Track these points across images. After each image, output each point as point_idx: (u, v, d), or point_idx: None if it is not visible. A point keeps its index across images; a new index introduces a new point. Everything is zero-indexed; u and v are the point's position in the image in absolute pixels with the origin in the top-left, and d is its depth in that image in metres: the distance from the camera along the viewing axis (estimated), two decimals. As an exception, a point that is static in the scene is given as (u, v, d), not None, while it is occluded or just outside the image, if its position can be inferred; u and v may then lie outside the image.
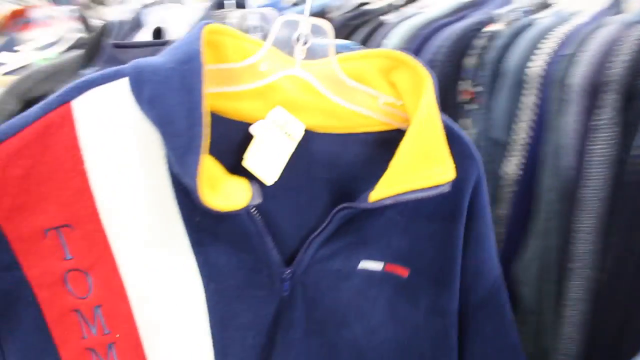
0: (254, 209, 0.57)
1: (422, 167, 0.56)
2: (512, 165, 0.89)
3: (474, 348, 0.69)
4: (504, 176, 0.90)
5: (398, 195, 0.55)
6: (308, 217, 0.62)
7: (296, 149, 0.60)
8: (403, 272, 0.64)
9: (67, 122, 0.53)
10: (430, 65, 0.94)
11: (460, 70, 0.96)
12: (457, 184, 0.61)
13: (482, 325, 0.69)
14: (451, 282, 0.65)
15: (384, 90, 0.62)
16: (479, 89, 0.93)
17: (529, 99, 0.86)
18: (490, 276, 0.68)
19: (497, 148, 0.91)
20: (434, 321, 0.66)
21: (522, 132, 0.87)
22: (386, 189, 0.56)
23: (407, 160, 0.56)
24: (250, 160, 0.57)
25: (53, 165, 0.53)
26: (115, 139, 0.54)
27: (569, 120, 0.79)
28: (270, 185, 0.60)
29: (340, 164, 0.62)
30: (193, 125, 0.50)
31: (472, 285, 0.67)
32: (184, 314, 0.59)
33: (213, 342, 0.59)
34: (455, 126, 0.62)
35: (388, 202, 0.56)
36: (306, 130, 0.60)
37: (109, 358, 0.58)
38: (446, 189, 0.55)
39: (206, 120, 0.50)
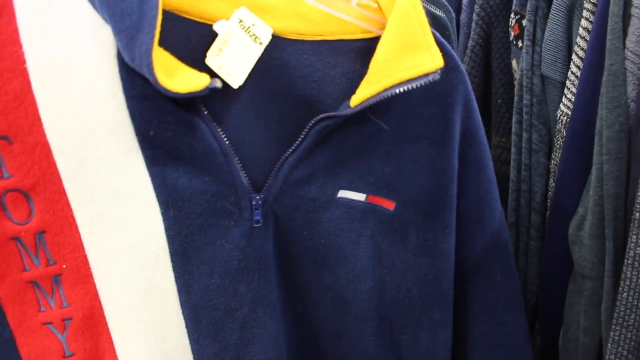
0: (216, 125, 0.51)
1: (406, 57, 0.51)
2: (566, 104, 0.76)
3: (483, 295, 0.63)
4: (559, 119, 0.77)
5: (383, 91, 0.50)
6: (279, 136, 0.55)
7: (265, 58, 0.53)
8: (388, 204, 0.58)
9: (6, 12, 0.48)
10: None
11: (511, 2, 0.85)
12: (444, 100, 0.57)
13: (492, 270, 0.64)
14: (443, 216, 0.59)
15: None
16: (526, 22, 0.81)
17: (584, 23, 0.73)
18: (496, 210, 0.63)
19: (549, 87, 0.78)
20: (423, 262, 0.60)
21: (575, 63, 0.74)
22: (369, 88, 0.51)
23: (389, 53, 0.51)
24: (212, 59, 0.51)
25: None
26: (60, 34, 0.48)
27: (632, 41, 0.66)
28: (236, 100, 0.54)
29: (313, 76, 0.56)
30: (145, 7, 0.46)
31: (478, 219, 0.62)
32: (141, 244, 0.53)
33: (175, 276, 0.54)
34: (437, 33, 0.56)
35: (373, 101, 0.51)
36: (276, 36, 0.54)
37: (54, 293, 0.53)
38: (436, 77, 0.51)
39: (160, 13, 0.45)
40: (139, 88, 0.49)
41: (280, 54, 0.54)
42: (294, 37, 0.55)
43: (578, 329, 0.76)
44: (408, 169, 0.57)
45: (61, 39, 0.48)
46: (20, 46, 0.48)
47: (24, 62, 0.48)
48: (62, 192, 0.51)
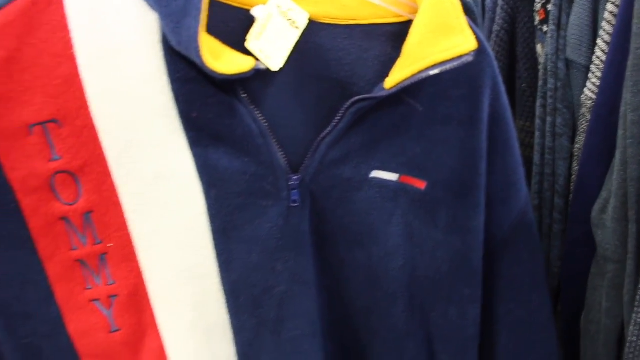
0: (254, 107, 0.53)
1: (440, 39, 0.52)
2: (590, 88, 0.77)
3: (510, 273, 0.65)
4: (583, 103, 0.78)
5: (418, 73, 0.52)
6: (314, 118, 0.57)
7: (300, 42, 0.55)
8: (420, 184, 0.59)
9: None
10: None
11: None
12: (472, 82, 0.58)
13: (519, 248, 0.65)
14: (473, 195, 0.61)
15: None
16: (550, 7, 0.81)
17: (609, 7, 0.74)
18: (522, 190, 0.64)
19: (574, 71, 0.79)
20: (453, 240, 0.62)
21: (600, 47, 0.75)
22: (404, 70, 0.52)
23: (423, 36, 0.53)
24: (253, 42, 0.53)
25: (40, 48, 0.49)
26: (107, 20, 0.50)
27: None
28: (272, 83, 0.55)
29: (347, 59, 0.57)
30: None
31: (505, 199, 0.63)
32: (183, 222, 0.55)
33: (216, 254, 0.56)
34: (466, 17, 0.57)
35: (407, 83, 0.52)
36: (311, 21, 0.56)
37: (100, 270, 0.55)
38: (469, 58, 0.53)
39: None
40: (183, 71, 0.50)
41: (315, 38, 0.56)
42: (328, 22, 0.56)
43: (600, 311, 0.77)
44: (438, 150, 0.59)
45: (108, 25, 0.50)
46: (68, 32, 0.49)
47: (72, 47, 0.49)
48: (107, 173, 0.52)
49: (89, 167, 0.52)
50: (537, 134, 0.83)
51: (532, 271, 0.68)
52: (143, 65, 0.51)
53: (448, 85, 0.58)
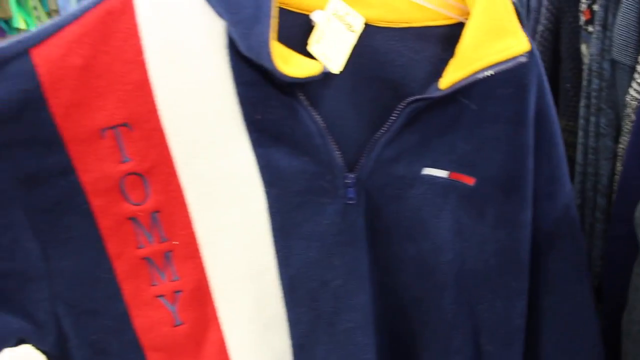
0: (312, 109, 0.55)
1: (494, 41, 0.54)
2: (636, 88, 0.77)
3: (555, 267, 0.67)
4: (628, 103, 0.79)
5: (473, 74, 0.53)
6: (368, 118, 0.59)
7: (356, 46, 0.57)
8: (469, 180, 0.61)
9: (128, 8, 0.51)
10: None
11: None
12: (519, 81, 0.60)
13: (564, 243, 0.67)
14: (520, 189, 0.62)
15: None
16: (596, 7, 0.82)
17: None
18: (566, 186, 0.66)
19: (619, 71, 0.80)
20: (501, 234, 0.63)
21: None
22: (459, 71, 0.54)
23: (478, 38, 0.54)
24: (315, 46, 0.55)
25: (113, 55, 0.51)
26: (175, 28, 0.52)
27: None
28: (329, 85, 0.58)
29: (400, 61, 0.59)
30: (262, 1, 0.50)
31: (550, 193, 0.65)
32: (245, 221, 0.57)
33: (275, 251, 0.58)
34: None
35: (463, 84, 0.54)
36: (366, 24, 0.58)
37: (165, 267, 0.57)
38: (523, 59, 0.54)
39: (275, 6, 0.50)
40: (247, 76, 0.53)
41: (370, 41, 0.58)
42: (382, 25, 0.58)
43: None
44: (487, 147, 0.61)
45: (177, 32, 0.52)
46: (139, 39, 0.52)
47: (142, 53, 0.52)
48: (174, 174, 0.55)
49: (157, 169, 0.54)
50: (580, 133, 0.84)
51: (576, 265, 0.69)
52: (210, 70, 0.53)
53: (496, 84, 0.59)
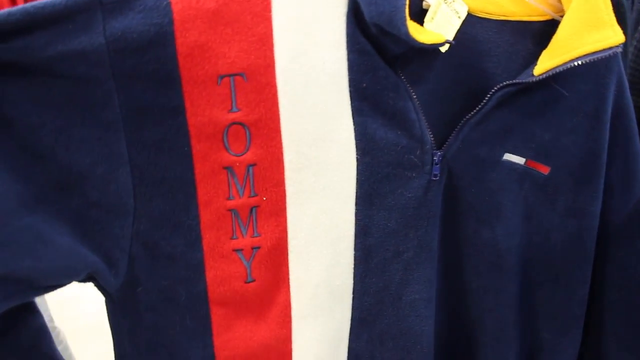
0: (409, 86, 0.58)
1: (591, 32, 0.57)
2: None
3: (624, 260, 0.69)
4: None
5: (569, 61, 0.57)
6: (459, 101, 0.62)
7: (458, 32, 0.61)
8: (544, 169, 0.65)
9: None
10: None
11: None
12: (599, 78, 0.63)
13: (634, 237, 0.69)
14: (592, 180, 0.66)
15: None
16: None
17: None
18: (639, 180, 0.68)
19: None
20: (570, 223, 0.67)
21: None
22: (554, 59, 0.57)
23: (575, 29, 0.58)
24: (428, 24, 0.58)
25: (243, 6, 0.53)
26: None
27: None
28: (428, 67, 0.61)
29: (495, 51, 0.63)
30: None
31: (624, 188, 0.68)
32: (334, 185, 0.59)
33: (356, 219, 0.60)
34: None
35: (557, 70, 0.57)
36: (469, 14, 0.61)
37: (248, 221, 0.58)
38: (618, 50, 0.57)
39: None
40: (361, 44, 0.56)
41: (470, 29, 0.62)
42: (483, 16, 0.62)
43: None
44: (565, 138, 0.64)
45: None
46: None
47: (270, 10, 0.54)
48: (278, 130, 0.56)
49: (262, 122, 0.56)
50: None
51: None
52: (328, 34, 0.56)
53: (578, 80, 0.63)
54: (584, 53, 0.57)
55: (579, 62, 0.57)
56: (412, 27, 0.53)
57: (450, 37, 0.59)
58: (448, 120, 0.62)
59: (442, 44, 0.56)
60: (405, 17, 0.52)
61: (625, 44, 0.72)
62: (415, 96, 0.58)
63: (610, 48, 0.57)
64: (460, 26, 0.60)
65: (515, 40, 0.63)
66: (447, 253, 0.66)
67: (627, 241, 0.70)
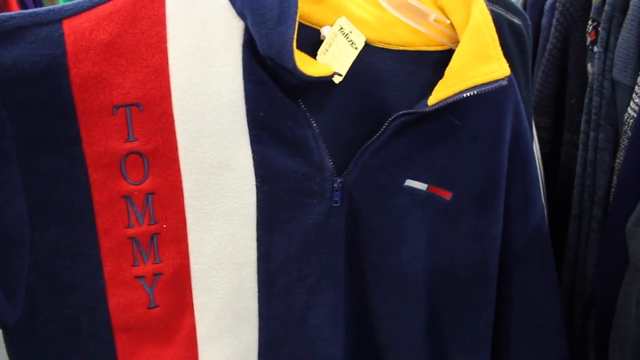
0: (309, 114, 0.61)
1: (480, 65, 0.60)
2: (633, 107, 0.83)
3: (524, 281, 0.72)
4: (626, 121, 0.85)
5: (458, 93, 0.59)
6: (359, 129, 0.65)
7: (356, 62, 0.63)
8: (446, 194, 0.67)
9: None
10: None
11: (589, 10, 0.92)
12: (497, 106, 0.66)
13: (534, 258, 0.72)
14: (493, 206, 0.68)
15: (433, 9, 0.65)
16: (600, 29, 0.88)
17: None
18: (538, 205, 0.71)
19: (619, 90, 0.86)
20: (472, 247, 0.69)
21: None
22: (446, 90, 0.60)
23: (465, 62, 0.60)
24: (321, 56, 0.61)
25: (138, 38, 0.56)
26: (199, 22, 0.57)
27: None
28: (326, 95, 0.63)
29: (394, 80, 0.65)
30: (285, 5, 0.55)
31: (523, 212, 0.70)
32: (234, 212, 0.62)
33: (257, 245, 0.63)
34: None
35: (449, 101, 0.60)
36: (367, 44, 0.64)
37: (149, 248, 0.60)
38: (504, 82, 0.60)
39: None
40: (257, 75, 0.58)
41: (369, 59, 0.64)
42: (381, 46, 0.65)
43: (630, 317, 0.82)
44: (465, 164, 0.66)
45: (199, 27, 0.57)
46: (165, 27, 0.57)
47: (166, 41, 0.57)
48: (176, 159, 0.58)
49: (160, 152, 0.58)
50: (580, 147, 0.89)
51: (544, 280, 0.74)
52: (224, 65, 0.58)
53: (477, 108, 0.65)
54: (472, 85, 0.60)
55: (469, 94, 0.60)
56: (301, 60, 0.56)
57: (346, 68, 0.62)
58: (350, 147, 0.64)
59: (330, 77, 0.58)
60: (292, 50, 0.54)
61: (524, 72, 0.73)
62: (315, 124, 0.61)
63: (497, 81, 0.60)
64: (359, 56, 0.63)
65: (415, 69, 0.65)
66: (353, 278, 0.68)
67: (525, 263, 0.72)
